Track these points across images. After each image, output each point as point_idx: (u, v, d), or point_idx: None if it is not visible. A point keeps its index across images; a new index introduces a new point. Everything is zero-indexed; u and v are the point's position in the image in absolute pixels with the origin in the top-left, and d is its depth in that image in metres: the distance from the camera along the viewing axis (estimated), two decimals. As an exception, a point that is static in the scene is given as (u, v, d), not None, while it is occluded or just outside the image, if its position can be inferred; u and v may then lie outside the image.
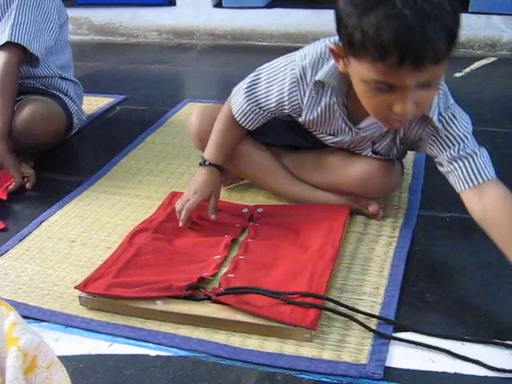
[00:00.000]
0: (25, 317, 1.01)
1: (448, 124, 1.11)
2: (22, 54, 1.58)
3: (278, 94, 1.20)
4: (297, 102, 1.20)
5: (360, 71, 0.99)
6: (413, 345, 0.95)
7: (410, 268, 1.14)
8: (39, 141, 1.58)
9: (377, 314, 1.01)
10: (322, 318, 1.00)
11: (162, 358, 0.95)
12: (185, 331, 1.00)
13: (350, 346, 0.95)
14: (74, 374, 0.92)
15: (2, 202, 1.46)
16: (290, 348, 0.95)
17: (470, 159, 1.09)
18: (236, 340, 0.98)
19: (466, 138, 1.11)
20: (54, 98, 1.68)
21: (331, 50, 1.06)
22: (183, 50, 2.88)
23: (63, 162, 1.68)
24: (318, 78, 1.14)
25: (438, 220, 1.31)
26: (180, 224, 1.25)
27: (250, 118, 1.26)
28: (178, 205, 1.26)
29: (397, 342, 0.96)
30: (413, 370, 0.91)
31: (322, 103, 1.19)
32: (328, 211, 1.29)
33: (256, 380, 0.90)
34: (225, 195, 1.33)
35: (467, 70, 2.36)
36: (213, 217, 1.27)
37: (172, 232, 1.25)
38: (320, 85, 1.16)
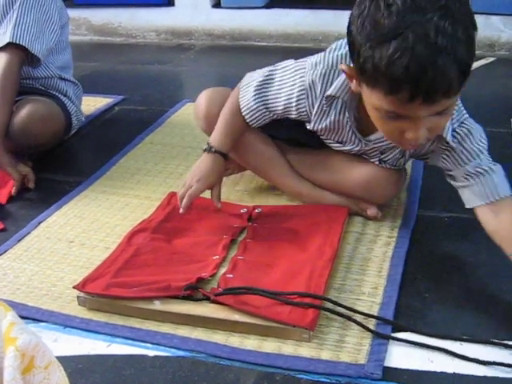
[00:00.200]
0: (23, 317, 1.01)
1: (463, 140, 1.10)
2: (23, 55, 1.58)
3: (286, 99, 1.19)
4: (304, 109, 1.19)
5: (372, 99, 0.98)
6: (411, 345, 0.95)
7: (408, 268, 1.14)
8: (38, 141, 1.57)
9: (375, 314, 1.01)
10: (321, 318, 1.00)
11: (161, 359, 0.95)
12: (183, 331, 1.00)
13: (349, 346, 0.95)
14: (73, 374, 0.92)
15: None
16: (288, 348, 0.95)
17: (487, 175, 1.08)
18: (235, 340, 0.98)
19: (482, 153, 1.10)
20: (53, 99, 1.68)
21: (343, 71, 1.05)
22: (182, 50, 2.88)
23: (62, 163, 1.68)
24: (329, 92, 1.13)
25: (436, 220, 1.31)
26: (181, 211, 1.24)
27: (255, 116, 1.25)
28: (179, 191, 1.25)
29: (395, 342, 0.96)
30: (411, 370, 0.91)
31: (332, 116, 1.18)
32: (327, 211, 1.29)
33: (255, 380, 0.90)
34: (223, 195, 1.32)
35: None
36: (218, 205, 1.27)
37: (171, 232, 1.25)
38: (331, 98, 1.15)
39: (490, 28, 2.60)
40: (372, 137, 1.19)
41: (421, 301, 1.06)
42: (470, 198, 1.11)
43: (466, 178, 1.11)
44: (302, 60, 1.20)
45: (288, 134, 1.35)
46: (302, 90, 1.17)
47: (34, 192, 1.51)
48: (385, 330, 0.98)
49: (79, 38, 3.13)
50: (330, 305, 1.01)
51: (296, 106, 1.19)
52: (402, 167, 1.29)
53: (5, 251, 1.25)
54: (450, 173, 1.14)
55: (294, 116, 1.22)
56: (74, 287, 1.07)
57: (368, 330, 0.97)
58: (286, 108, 1.21)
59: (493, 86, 2.17)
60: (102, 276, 1.09)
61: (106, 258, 1.16)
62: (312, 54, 1.20)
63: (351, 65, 1.01)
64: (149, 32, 3.10)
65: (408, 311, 1.03)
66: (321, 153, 1.32)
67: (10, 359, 0.57)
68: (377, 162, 1.25)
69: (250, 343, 0.97)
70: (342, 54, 1.12)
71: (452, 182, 1.15)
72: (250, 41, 2.93)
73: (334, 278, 1.11)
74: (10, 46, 1.55)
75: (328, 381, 0.89)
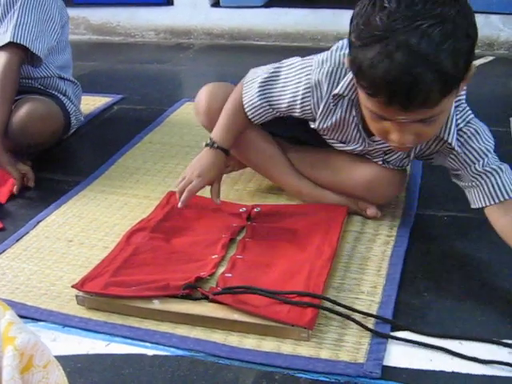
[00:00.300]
0: (22, 316, 1.01)
1: (471, 139, 1.09)
2: (23, 55, 1.58)
3: (291, 97, 1.19)
4: (309, 108, 1.19)
5: (360, 97, 0.99)
6: (411, 344, 0.95)
7: (407, 267, 1.14)
8: (37, 140, 1.57)
9: (374, 313, 1.01)
10: (320, 318, 1.00)
11: (160, 358, 0.95)
12: (182, 331, 1.00)
13: (348, 345, 0.95)
14: (72, 373, 0.92)
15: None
16: (287, 347, 0.95)
17: (496, 175, 1.08)
18: (233, 339, 0.97)
19: (490, 152, 1.09)
20: (53, 98, 1.68)
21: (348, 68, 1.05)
22: (181, 49, 2.88)
23: (61, 162, 1.68)
24: (337, 91, 1.13)
25: (435, 219, 1.31)
26: (179, 205, 1.23)
27: (258, 113, 1.24)
28: (179, 185, 1.25)
29: (395, 341, 0.96)
30: (411, 369, 0.91)
31: (338, 114, 1.17)
32: (326, 211, 1.28)
33: (254, 379, 0.90)
34: (222, 194, 1.32)
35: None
36: (218, 201, 1.26)
37: (169, 231, 1.25)
38: (338, 97, 1.15)
39: (489, 27, 2.60)
40: (377, 137, 1.19)
41: (420, 300, 1.06)
42: (478, 197, 1.10)
43: (474, 177, 1.10)
44: (308, 58, 1.19)
45: (289, 131, 1.35)
46: (307, 89, 1.16)
47: (33, 191, 1.51)
48: (384, 329, 0.98)
49: (78, 38, 3.13)
50: (328, 304, 1.01)
51: (301, 104, 1.18)
52: (405, 168, 1.29)
53: (3, 250, 1.25)
54: (457, 172, 1.13)
55: (297, 114, 1.22)
56: (72, 286, 1.07)
57: (367, 329, 0.97)
58: (290, 106, 1.20)
59: (492, 84, 2.17)
60: (101, 275, 1.09)
61: (105, 257, 1.16)
62: (311, 54, 1.20)
63: None
64: (148, 31, 3.09)
65: (407, 310, 1.03)
66: (322, 151, 1.32)
67: (8, 358, 0.57)
68: (380, 162, 1.24)
69: (249, 342, 0.97)
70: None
71: (458, 182, 1.15)
72: (249, 40, 2.93)
73: (333, 277, 1.11)
74: (10, 46, 1.55)
75: (327, 380, 0.89)
